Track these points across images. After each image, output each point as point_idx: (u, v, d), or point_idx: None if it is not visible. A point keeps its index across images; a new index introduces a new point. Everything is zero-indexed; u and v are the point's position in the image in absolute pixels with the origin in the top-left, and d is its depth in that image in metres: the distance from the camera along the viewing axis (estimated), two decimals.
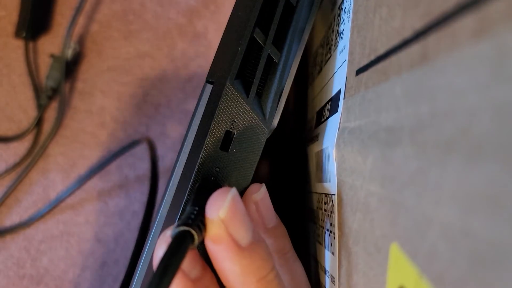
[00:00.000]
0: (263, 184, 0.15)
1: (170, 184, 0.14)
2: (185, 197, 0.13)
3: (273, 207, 0.15)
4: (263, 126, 0.14)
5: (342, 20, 0.15)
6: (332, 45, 0.16)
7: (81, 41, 0.26)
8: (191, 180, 0.13)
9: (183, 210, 0.14)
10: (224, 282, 0.13)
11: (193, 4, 0.26)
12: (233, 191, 0.12)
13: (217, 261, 0.12)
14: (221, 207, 0.12)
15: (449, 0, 0.07)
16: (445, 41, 0.07)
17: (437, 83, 0.08)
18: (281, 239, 0.15)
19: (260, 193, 0.14)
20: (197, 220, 0.11)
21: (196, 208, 0.12)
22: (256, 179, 0.15)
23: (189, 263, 0.12)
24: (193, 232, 0.11)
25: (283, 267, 0.15)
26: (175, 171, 0.14)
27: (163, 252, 0.11)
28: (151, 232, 0.14)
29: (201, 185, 0.14)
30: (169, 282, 0.10)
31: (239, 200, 0.12)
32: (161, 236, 0.12)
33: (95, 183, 0.25)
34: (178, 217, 0.14)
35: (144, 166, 0.25)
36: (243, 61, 0.14)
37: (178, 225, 0.11)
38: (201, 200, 0.12)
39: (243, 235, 0.12)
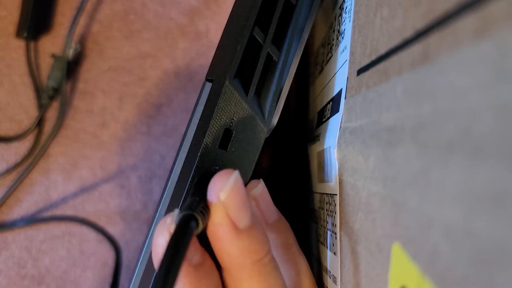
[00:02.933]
0: (261, 180, 0.15)
1: (169, 183, 0.14)
2: (184, 195, 0.14)
3: (273, 202, 0.15)
4: (262, 125, 0.14)
5: (343, 20, 0.15)
6: (333, 45, 0.16)
7: (82, 41, 0.26)
8: (190, 179, 0.13)
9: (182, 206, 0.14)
10: (221, 263, 0.13)
11: (194, 4, 0.26)
12: (235, 174, 0.12)
13: (215, 242, 0.12)
14: (222, 189, 0.12)
15: (450, 0, 0.07)
16: (446, 41, 0.07)
17: (438, 82, 0.07)
18: (284, 234, 0.15)
19: (258, 189, 0.14)
20: (200, 207, 0.12)
21: (197, 198, 0.12)
22: (256, 178, 0.15)
23: (190, 249, 0.12)
24: (197, 216, 0.11)
25: (288, 262, 0.15)
26: (174, 170, 0.14)
27: (169, 237, 0.11)
28: (150, 231, 0.14)
29: (199, 181, 0.14)
30: (180, 264, 0.10)
31: (241, 182, 0.12)
32: (160, 223, 0.12)
33: (96, 183, 0.25)
34: None
35: (146, 166, 0.25)
36: (242, 60, 0.14)
37: (182, 211, 0.11)
38: (200, 191, 0.13)
39: (243, 218, 0.12)
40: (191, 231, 0.11)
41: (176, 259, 0.10)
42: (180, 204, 0.14)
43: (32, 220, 0.24)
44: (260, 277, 0.12)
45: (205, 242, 0.13)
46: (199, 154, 0.13)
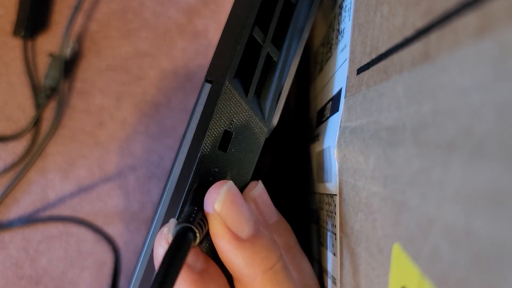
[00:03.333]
0: (260, 181, 0.15)
1: (168, 184, 0.14)
2: (183, 197, 0.13)
3: (272, 203, 0.15)
4: (262, 125, 0.14)
5: (342, 19, 0.15)
6: (332, 44, 0.16)
7: (80, 40, 0.26)
8: (189, 181, 0.13)
9: (181, 210, 0.14)
10: (231, 273, 0.13)
11: (193, 3, 0.26)
12: (228, 184, 0.12)
13: (220, 254, 0.12)
14: (216, 200, 0.12)
15: None
16: (447, 40, 0.07)
17: (439, 82, 0.07)
18: (285, 235, 0.15)
19: (257, 190, 0.14)
20: (197, 218, 0.11)
21: (196, 208, 0.12)
22: (256, 179, 0.15)
23: (191, 257, 0.12)
24: (195, 228, 0.11)
25: (290, 263, 0.15)
26: (173, 171, 0.14)
27: (164, 250, 0.11)
28: (150, 233, 0.14)
29: (199, 185, 0.13)
30: (174, 279, 0.10)
31: (235, 192, 0.12)
32: (158, 235, 0.12)
33: (94, 183, 0.25)
34: (176, 217, 0.13)
35: (144, 166, 0.25)
36: (242, 60, 0.14)
37: (179, 223, 0.11)
38: (199, 200, 0.12)
39: (243, 227, 0.12)
40: (188, 244, 0.10)
41: (171, 272, 0.10)
42: (180, 206, 0.13)
43: (30, 220, 0.24)
44: (273, 287, 0.12)
45: (215, 252, 0.13)
46: (198, 155, 0.13)
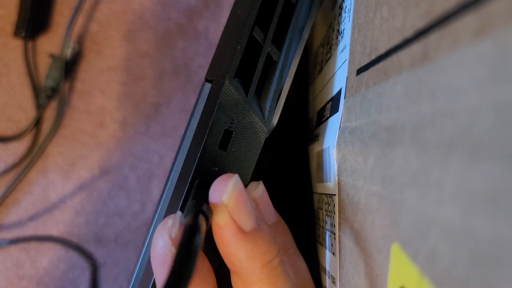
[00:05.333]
0: (261, 182, 0.15)
1: (168, 184, 0.14)
2: (183, 196, 0.13)
3: (272, 204, 0.15)
4: (262, 125, 0.14)
5: (342, 19, 0.15)
6: (332, 44, 0.16)
7: (80, 41, 0.26)
8: (189, 179, 0.13)
9: (181, 209, 0.14)
10: (230, 267, 0.13)
11: (193, 4, 0.26)
12: (235, 177, 0.12)
13: (222, 246, 0.12)
14: (224, 192, 0.12)
15: None
16: (446, 40, 0.07)
17: (438, 82, 0.07)
18: (283, 235, 0.15)
19: (258, 191, 0.14)
20: (203, 209, 0.11)
21: (199, 201, 0.12)
22: (256, 178, 0.15)
23: None
24: (205, 214, 0.11)
25: (287, 264, 0.15)
26: (173, 170, 0.14)
27: (169, 239, 0.11)
28: (150, 232, 0.14)
29: (200, 183, 0.14)
30: (194, 263, 0.09)
31: (241, 186, 0.12)
32: (161, 225, 0.12)
33: (95, 184, 0.25)
34: None
35: (144, 166, 0.25)
36: (242, 60, 0.14)
37: (187, 212, 0.11)
38: (202, 195, 0.13)
39: (247, 220, 0.12)
40: (201, 230, 0.10)
41: (191, 258, 0.09)
42: (180, 204, 0.14)
43: (15, 241, 0.24)
44: (270, 280, 0.12)
45: (209, 245, 0.13)
46: (198, 154, 0.13)
